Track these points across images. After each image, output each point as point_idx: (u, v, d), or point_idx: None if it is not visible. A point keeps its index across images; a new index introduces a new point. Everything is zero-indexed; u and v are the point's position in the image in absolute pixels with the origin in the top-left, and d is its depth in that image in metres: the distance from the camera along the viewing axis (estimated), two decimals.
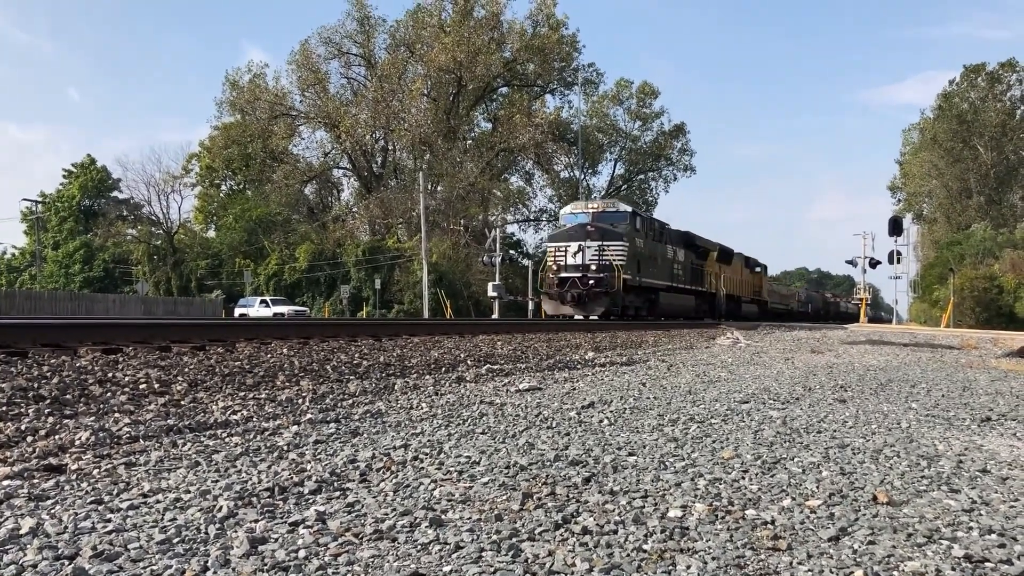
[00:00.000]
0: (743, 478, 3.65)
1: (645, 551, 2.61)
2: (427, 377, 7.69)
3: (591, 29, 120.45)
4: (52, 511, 2.88)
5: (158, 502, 3.01)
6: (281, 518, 2.85)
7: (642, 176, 61.55)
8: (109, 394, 5.40)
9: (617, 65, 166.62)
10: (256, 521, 2.79)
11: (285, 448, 4.11)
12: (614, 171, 60.88)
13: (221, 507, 2.93)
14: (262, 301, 50.88)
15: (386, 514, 2.90)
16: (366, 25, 44.53)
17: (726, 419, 5.47)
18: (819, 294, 61.44)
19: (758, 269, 46.64)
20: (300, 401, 5.81)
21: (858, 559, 2.61)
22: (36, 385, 5.35)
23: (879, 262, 41.70)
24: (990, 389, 8.46)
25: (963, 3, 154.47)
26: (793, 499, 3.30)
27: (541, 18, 44.32)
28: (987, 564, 2.59)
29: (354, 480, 3.44)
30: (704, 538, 2.74)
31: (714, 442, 4.56)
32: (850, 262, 44.59)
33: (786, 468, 3.89)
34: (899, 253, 40.83)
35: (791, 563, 2.55)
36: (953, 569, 2.53)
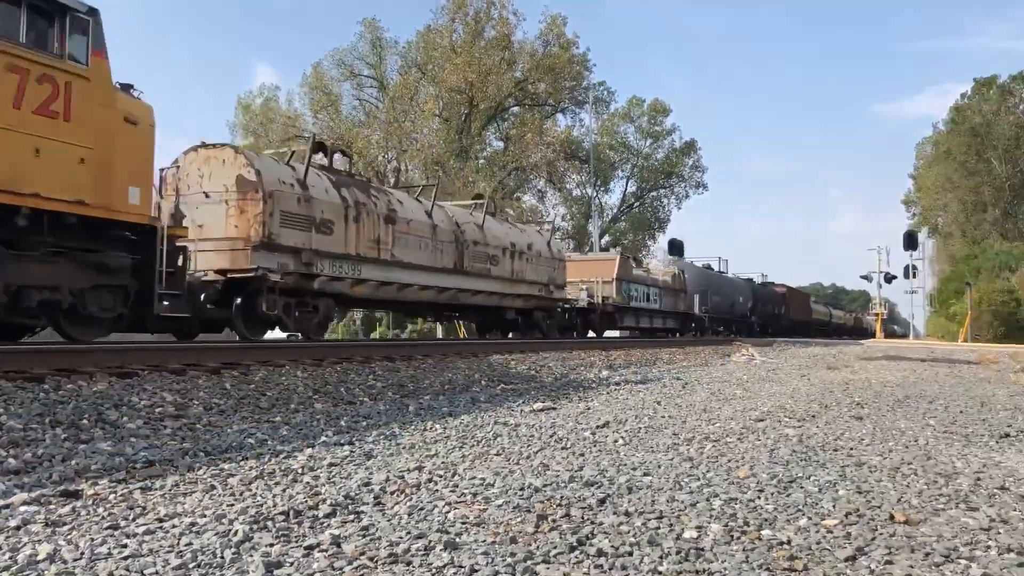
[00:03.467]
0: (759, 497, 3.63)
1: (661, 573, 2.59)
2: (441, 398, 7.70)
3: (603, 45, 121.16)
4: (69, 537, 2.89)
5: (174, 527, 3.03)
6: (296, 542, 2.85)
7: (654, 193, 61.51)
8: (125, 418, 5.43)
9: (630, 81, 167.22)
10: (271, 545, 2.80)
11: (299, 471, 4.11)
12: (626, 188, 60.90)
13: (236, 531, 2.94)
14: None
15: (401, 537, 2.90)
16: (378, 47, 44.91)
17: (741, 437, 5.45)
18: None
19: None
20: (314, 424, 5.82)
21: None
22: (53, 411, 5.39)
23: (895, 276, 41.54)
24: (1009, 404, 8.38)
25: (977, 15, 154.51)
26: (809, 519, 3.28)
27: (551, 38, 44.54)
28: None
29: (368, 503, 3.44)
30: (720, 559, 2.73)
31: (729, 461, 4.54)
32: (865, 277, 44.42)
33: (802, 487, 3.87)
34: (915, 267, 40.67)
35: None
36: None
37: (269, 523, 3.08)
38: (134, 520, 3.13)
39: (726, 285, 39.84)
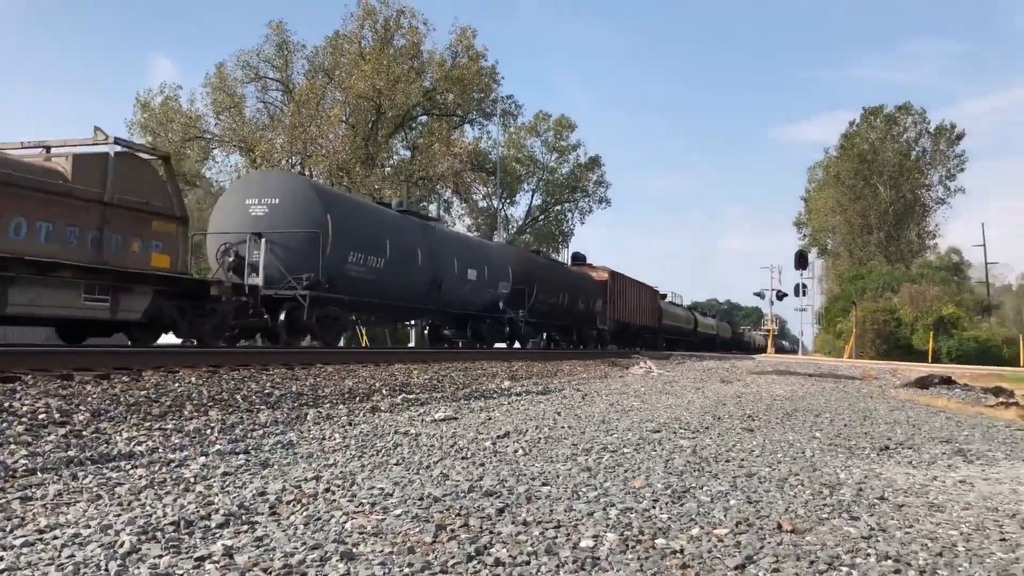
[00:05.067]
0: (654, 507, 3.71)
1: None
2: (341, 407, 7.59)
3: (512, 59, 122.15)
4: None
5: (55, 538, 2.89)
6: (187, 553, 2.77)
7: (559, 207, 62.30)
8: (4, 424, 5.16)
9: (537, 95, 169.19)
10: (160, 556, 2.71)
11: (192, 480, 3.99)
12: (532, 201, 61.49)
13: (123, 542, 2.83)
14: None
15: (296, 548, 2.85)
16: (285, 50, 44.04)
17: (638, 448, 5.56)
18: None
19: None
20: (208, 431, 5.65)
21: None
22: None
23: (786, 294, 43.20)
24: (889, 418, 8.81)
25: (862, 48, 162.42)
26: (701, 528, 3.37)
27: (461, 49, 44.60)
28: None
29: (263, 513, 3.37)
30: (615, 568, 2.78)
31: (626, 471, 4.63)
32: (758, 294, 46.06)
33: (695, 497, 3.98)
34: (804, 286, 42.41)
35: None
36: None
37: (158, 534, 2.98)
38: (12, 532, 2.98)
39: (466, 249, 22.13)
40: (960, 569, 2.98)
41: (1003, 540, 3.46)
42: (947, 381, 16.34)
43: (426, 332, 23.94)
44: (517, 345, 25.19)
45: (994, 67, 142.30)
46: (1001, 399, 12.94)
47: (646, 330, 39.76)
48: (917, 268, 55.47)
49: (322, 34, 62.15)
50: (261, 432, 5.80)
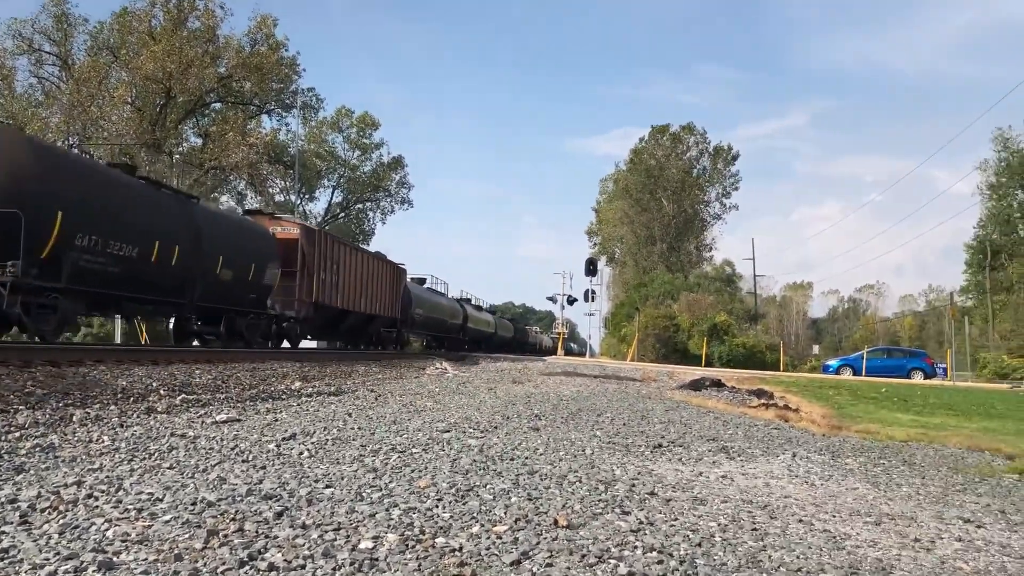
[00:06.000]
0: (437, 506, 3.73)
1: None
2: (112, 408, 7.09)
3: (316, 54, 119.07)
4: None
5: None
6: None
7: (360, 205, 61.52)
8: None
9: (340, 90, 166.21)
10: None
11: None
12: (332, 198, 60.32)
13: None
14: None
15: (47, 559, 2.63)
16: (64, 23, 40.55)
17: (427, 448, 5.58)
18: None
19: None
20: None
21: None
22: None
23: (576, 299, 44.86)
24: (664, 418, 9.37)
25: (658, 68, 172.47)
26: (482, 525, 3.43)
27: (260, 37, 42.89)
28: None
29: (12, 522, 3.08)
30: (393, 569, 2.77)
31: (413, 471, 4.63)
32: (551, 298, 47.61)
33: (479, 495, 4.04)
34: (594, 292, 44.24)
35: None
36: None
37: None
38: None
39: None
40: (715, 557, 3.21)
41: (754, 530, 3.77)
42: (717, 384, 17.64)
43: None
44: None
45: (768, 96, 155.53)
46: (762, 401, 14.14)
47: (384, 321, 28.09)
48: (695, 278, 59.51)
49: (108, 9, 58.06)
50: (18, 434, 5.30)
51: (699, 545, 3.37)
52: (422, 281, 35.75)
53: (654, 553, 3.18)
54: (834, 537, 3.76)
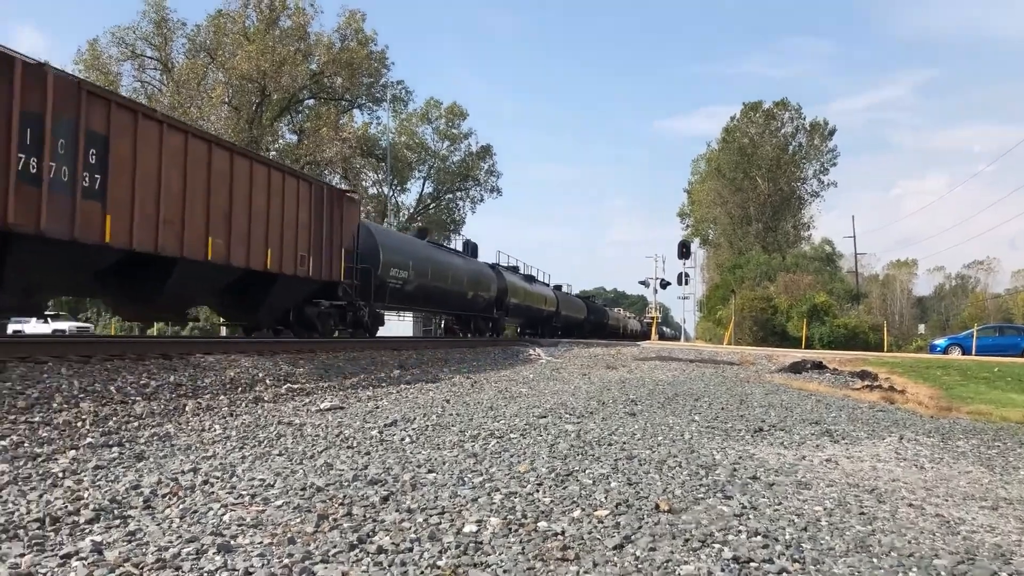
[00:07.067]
0: (537, 491, 3.76)
1: (439, 567, 2.64)
2: (222, 397, 7.38)
3: (404, 42, 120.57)
4: None
5: None
6: (52, 550, 2.64)
7: (450, 195, 62.12)
8: None
9: (429, 78, 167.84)
10: (22, 555, 2.58)
11: (60, 475, 3.81)
12: (423, 189, 61.08)
13: None
14: (40, 316, 46.41)
15: (171, 541, 2.77)
16: (163, 28, 42.16)
17: (524, 433, 5.62)
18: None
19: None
20: (79, 424, 5.40)
21: (639, 565, 2.76)
22: None
23: (669, 283, 44.26)
24: (763, 402, 9.19)
25: (745, 44, 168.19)
26: (583, 510, 3.44)
27: (349, 32, 43.74)
28: (751, 564, 2.82)
29: (137, 507, 3.25)
30: (497, 552, 2.81)
31: (512, 456, 4.68)
32: (643, 283, 47.11)
33: (578, 480, 4.06)
34: (687, 275, 43.58)
35: (578, 572, 2.67)
36: (723, 570, 2.74)
37: (21, 532, 2.84)
38: None
39: None
40: (822, 542, 3.14)
41: (862, 514, 3.67)
42: (818, 366, 17.17)
43: None
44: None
45: (864, 67, 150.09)
46: (866, 383, 13.70)
47: (311, 288, 24.23)
48: (792, 258, 57.90)
49: (203, 12, 59.98)
50: (137, 424, 5.58)
51: (805, 529, 3.30)
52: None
53: (759, 537, 3.13)
54: (947, 522, 3.63)
